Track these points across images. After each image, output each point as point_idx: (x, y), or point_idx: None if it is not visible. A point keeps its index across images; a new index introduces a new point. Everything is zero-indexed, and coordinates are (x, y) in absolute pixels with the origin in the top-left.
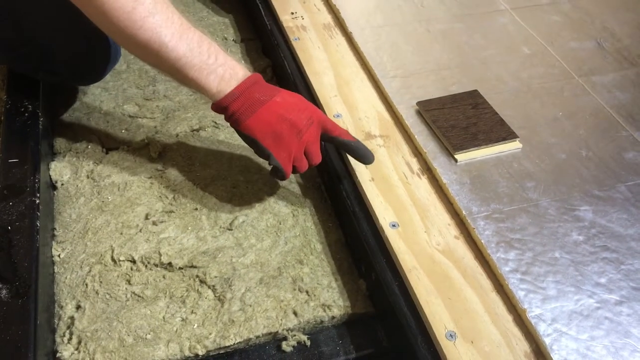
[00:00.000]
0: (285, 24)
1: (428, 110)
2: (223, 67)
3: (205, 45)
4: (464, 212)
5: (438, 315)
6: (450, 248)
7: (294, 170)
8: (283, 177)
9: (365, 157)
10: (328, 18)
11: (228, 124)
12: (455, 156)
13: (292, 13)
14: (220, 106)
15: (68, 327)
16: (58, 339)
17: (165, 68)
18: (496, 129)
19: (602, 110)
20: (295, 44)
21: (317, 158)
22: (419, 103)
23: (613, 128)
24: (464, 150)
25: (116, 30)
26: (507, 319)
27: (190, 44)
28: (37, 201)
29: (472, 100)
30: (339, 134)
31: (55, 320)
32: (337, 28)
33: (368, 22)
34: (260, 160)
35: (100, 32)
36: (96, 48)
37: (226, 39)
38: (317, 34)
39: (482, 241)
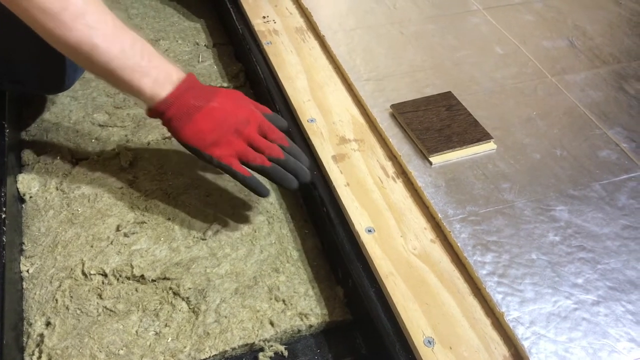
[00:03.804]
0: (257, 28)
1: (402, 113)
2: (157, 69)
3: (139, 46)
4: (439, 216)
5: (416, 321)
6: (426, 252)
7: (247, 165)
8: (245, 181)
9: (283, 182)
10: (300, 22)
11: None
12: (430, 159)
13: (264, 17)
14: (155, 112)
15: (37, 345)
16: (27, 358)
17: (97, 71)
18: (470, 131)
19: (575, 109)
20: (268, 48)
21: (267, 146)
22: (393, 106)
23: (587, 127)
24: (439, 153)
25: (45, 32)
26: (485, 323)
27: (123, 45)
28: (4, 215)
29: (446, 102)
30: (268, 146)
31: (24, 339)
32: (310, 32)
33: (340, 25)
34: None
35: None
36: (62, 56)
37: (198, 44)
38: (289, 38)
39: (459, 244)
